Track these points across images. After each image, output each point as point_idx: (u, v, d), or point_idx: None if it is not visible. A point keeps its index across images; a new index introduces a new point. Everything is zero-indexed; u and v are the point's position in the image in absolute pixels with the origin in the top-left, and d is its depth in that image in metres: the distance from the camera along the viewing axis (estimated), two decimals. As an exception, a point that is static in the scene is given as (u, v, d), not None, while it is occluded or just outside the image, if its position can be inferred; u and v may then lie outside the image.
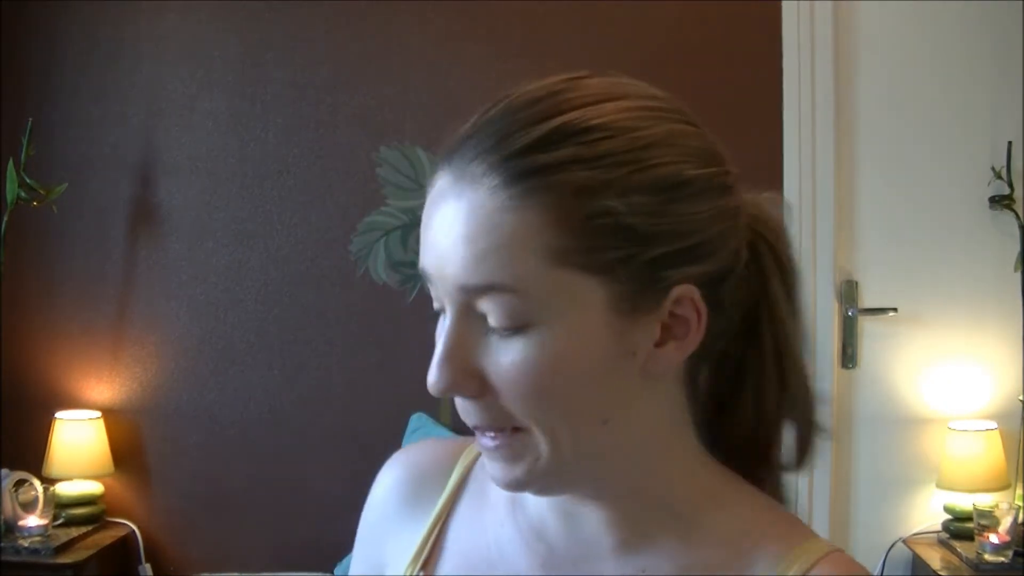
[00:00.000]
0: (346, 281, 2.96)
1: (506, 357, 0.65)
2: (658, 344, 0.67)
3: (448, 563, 0.78)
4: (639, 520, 0.72)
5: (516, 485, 0.69)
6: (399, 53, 2.96)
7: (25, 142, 2.78)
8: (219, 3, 3.00)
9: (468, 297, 0.65)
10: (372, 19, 2.96)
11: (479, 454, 0.81)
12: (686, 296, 0.67)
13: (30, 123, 2.79)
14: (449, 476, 0.82)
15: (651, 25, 2.88)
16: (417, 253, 2.74)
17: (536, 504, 0.76)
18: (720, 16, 2.87)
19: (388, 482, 0.85)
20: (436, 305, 0.69)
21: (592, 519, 0.73)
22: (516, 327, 0.64)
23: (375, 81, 2.96)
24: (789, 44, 2.84)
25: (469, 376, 0.66)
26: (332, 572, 2.69)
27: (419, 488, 0.83)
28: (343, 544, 2.76)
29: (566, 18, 2.90)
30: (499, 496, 0.78)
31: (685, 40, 2.88)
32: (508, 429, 0.67)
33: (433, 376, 0.66)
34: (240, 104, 2.99)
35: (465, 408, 0.68)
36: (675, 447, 0.73)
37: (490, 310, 0.64)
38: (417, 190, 2.93)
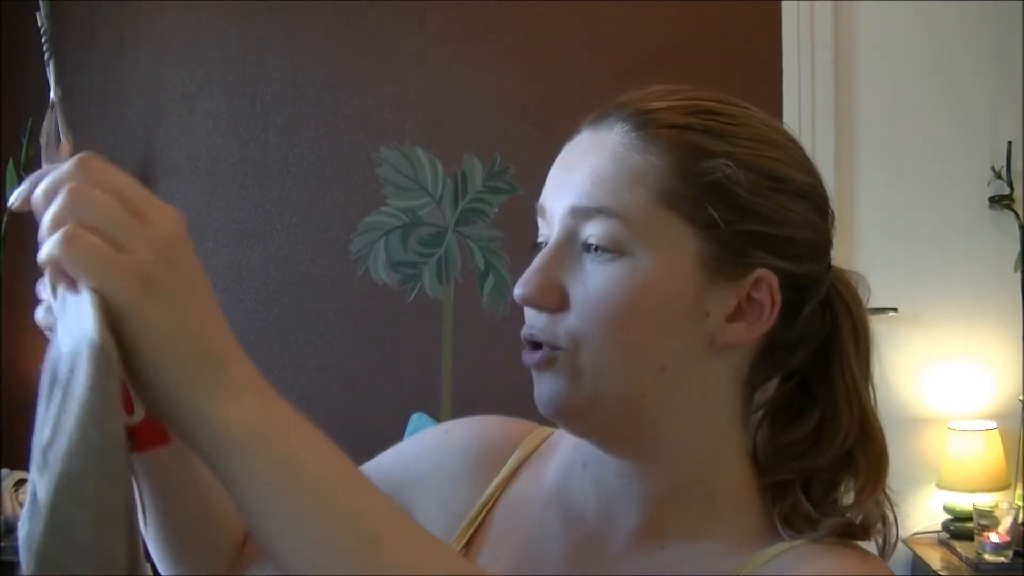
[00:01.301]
0: (346, 281, 2.96)
1: (594, 278, 0.70)
2: (730, 319, 0.72)
3: (492, 540, 0.81)
4: (670, 502, 0.74)
5: (555, 404, 0.72)
6: (399, 53, 2.96)
7: (25, 142, 2.78)
8: (219, 3, 3.01)
9: (577, 220, 0.71)
10: (372, 19, 2.96)
11: (541, 441, 0.86)
12: (766, 280, 0.72)
13: (30, 123, 2.79)
14: (508, 459, 0.85)
15: (651, 25, 2.88)
16: (417, 253, 2.74)
17: (581, 487, 0.78)
18: (720, 16, 2.87)
19: (459, 440, 0.88)
20: (540, 238, 0.75)
21: (627, 497, 0.75)
22: (612, 251, 0.70)
23: (375, 81, 2.96)
24: (789, 44, 2.84)
25: (553, 290, 0.71)
26: (332, 572, 2.70)
27: (481, 460, 0.86)
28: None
29: (566, 18, 2.90)
30: (549, 480, 0.81)
31: (685, 40, 2.88)
32: (562, 349, 0.71)
33: (522, 284, 0.72)
34: (240, 104, 2.99)
35: (533, 321, 0.73)
36: (721, 434, 0.75)
37: (594, 232, 0.70)
38: (417, 190, 2.94)
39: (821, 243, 0.76)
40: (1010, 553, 2.44)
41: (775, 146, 0.74)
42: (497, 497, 0.83)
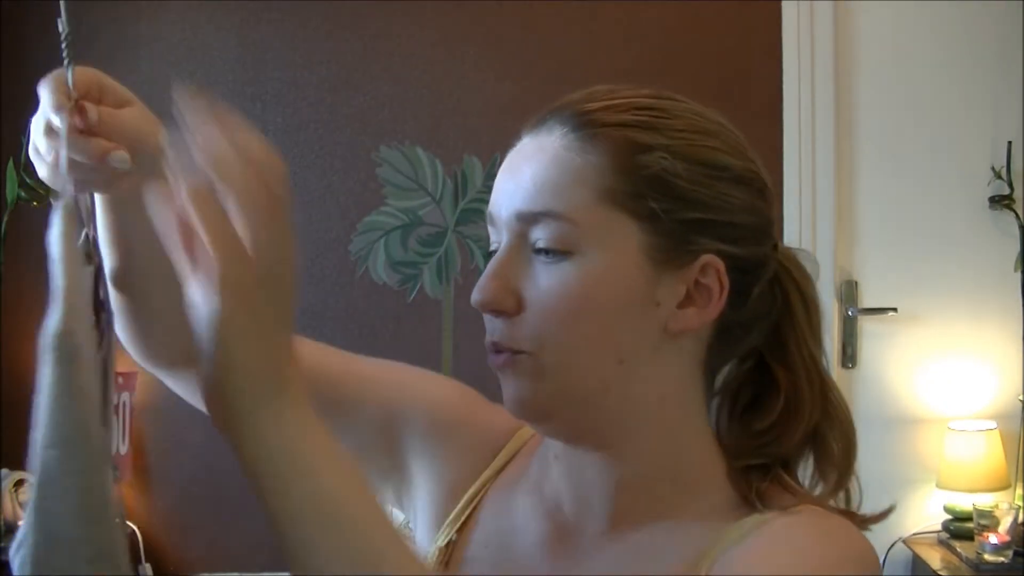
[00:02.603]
0: (346, 281, 2.96)
1: (547, 279, 0.73)
2: (681, 305, 0.74)
3: (481, 527, 0.84)
4: (638, 487, 0.76)
5: (523, 405, 0.76)
6: (399, 53, 2.96)
7: (25, 142, 2.78)
8: (219, 3, 3.00)
9: (523, 225, 0.74)
10: (372, 19, 2.96)
11: (531, 436, 0.88)
12: (712, 265, 0.74)
13: (30, 123, 2.79)
14: (502, 448, 0.88)
15: (651, 25, 2.88)
16: (417, 253, 2.73)
17: (555, 477, 0.80)
18: (720, 16, 2.87)
19: (467, 414, 0.90)
20: (492, 246, 0.78)
21: (598, 485, 0.77)
22: (561, 252, 0.72)
23: (375, 81, 2.96)
24: (789, 44, 2.84)
25: (509, 294, 0.74)
26: (332, 572, 2.70)
27: (481, 444, 0.88)
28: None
29: (566, 18, 2.90)
30: (532, 472, 0.84)
31: (685, 40, 2.88)
32: (525, 352, 0.74)
33: (478, 290, 0.75)
34: (240, 104, 2.99)
35: (492, 327, 0.76)
36: (684, 418, 0.77)
37: (540, 235, 0.73)
38: (417, 190, 2.94)
39: (763, 225, 0.78)
40: (1010, 553, 2.44)
41: (711, 135, 0.76)
42: (489, 484, 0.86)
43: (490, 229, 0.78)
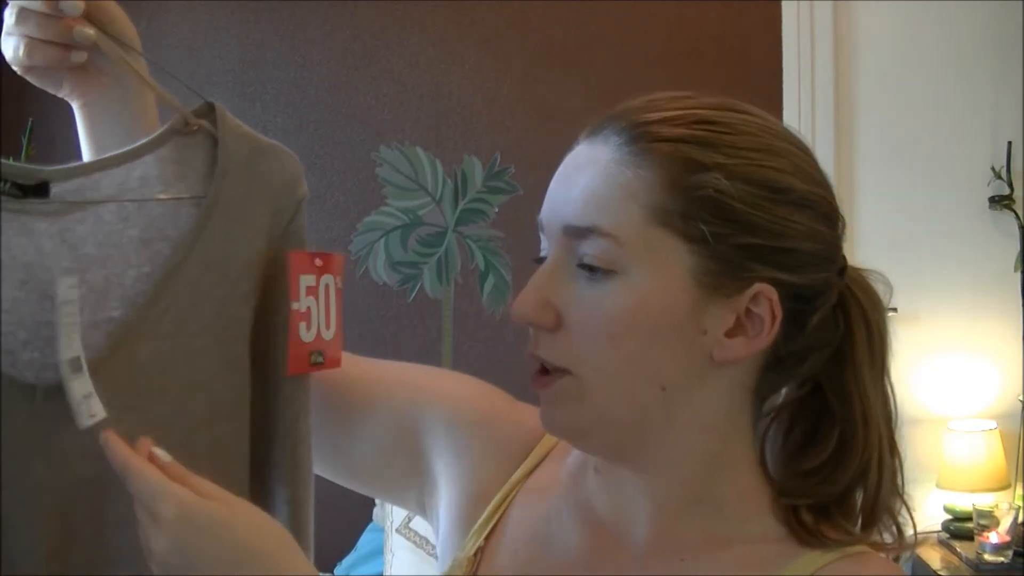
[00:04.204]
0: (346, 281, 2.96)
1: (590, 297, 0.70)
2: (729, 334, 0.71)
3: (511, 533, 0.81)
4: (680, 511, 0.74)
5: (561, 426, 0.74)
6: (399, 53, 2.96)
7: (25, 142, 2.78)
8: (219, 3, 3.01)
9: (571, 239, 0.71)
10: (372, 19, 2.96)
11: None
12: (765, 294, 0.70)
13: (30, 123, 2.79)
14: (530, 451, 0.85)
15: (651, 25, 2.88)
16: (417, 253, 2.75)
17: (594, 488, 0.78)
18: (720, 16, 2.87)
19: (492, 415, 0.86)
20: (543, 253, 0.74)
21: (639, 504, 0.75)
22: (606, 270, 0.69)
23: (375, 81, 2.96)
24: (789, 44, 2.84)
25: (549, 309, 0.71)
26: (332, 572, 2.70)
27: (507, 446, 0.85)
28: (343, 544, 2.76)
29: (566, 19, 2.90)
30: (563, 478, 0.82)
31: (685, 40, 2.88)
32: (566, 371, 0.71)
33: (517, 302, 0.72)
34: (240, 104, 2.99)
35: (535, 340, 0.73)
36: (728, 445, 0.74)
37: (587, 252, 0.70)
38: (417, 190, 2.94)
39: (826, 252, 0.74)
40: (1010, 553, 2.44)
41: (776, 154, 0.72)
42: (518, 488, 0.83)
43: (541, 236, 0.75)
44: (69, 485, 0.66)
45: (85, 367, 0.64)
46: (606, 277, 0.69)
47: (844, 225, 0.77)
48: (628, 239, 0.69)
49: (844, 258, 0.78)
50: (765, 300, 0.70)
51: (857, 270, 0.79)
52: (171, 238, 0.69)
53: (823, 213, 0.74)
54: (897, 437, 0.81)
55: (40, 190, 0.66)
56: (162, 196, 0.70)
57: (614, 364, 0.70)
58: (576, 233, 0.70)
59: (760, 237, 0.70)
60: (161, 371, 0.68)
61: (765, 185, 0.70)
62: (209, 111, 0.74)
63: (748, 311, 0.71)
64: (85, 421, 0.64)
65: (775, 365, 0.74)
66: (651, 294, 0.69)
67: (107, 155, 0.70)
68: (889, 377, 0.80)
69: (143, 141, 0.71)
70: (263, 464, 0.74)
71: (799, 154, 0.74)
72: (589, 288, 0.70)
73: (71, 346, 0.64)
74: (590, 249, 0.70)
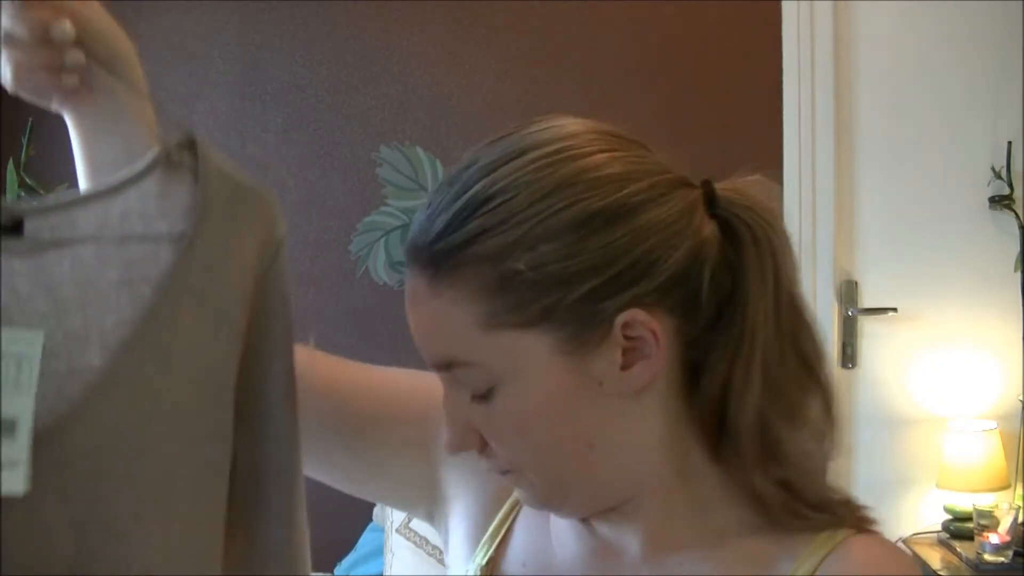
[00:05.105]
0: (346, 281, 2.96)
1: (487, 417, 0.71)
2: (625, 367, 0.69)
3: (517, 548, 0.82)
4: (665, 522, 0.75)
5: (532, 505, 0.77)
6: (399, 53, 2.96)
7: (25, 142, 2.78)
8: (219, 3, 3.00)
9: (445, 371, 0.72)
10: (372, 19, 2.96)
11: None
12: (633, 320, 0.68)
13: (30, 123, 2.79)
14: None
15: (651, 25, 2.88)
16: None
17: None
18: (720, 16, 2.87)
19: None
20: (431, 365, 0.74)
21: (625, 524, 0.76)
22: (485, 391, 0.70)
23: (375, 81, 2.96)
24: (789, 44, 2.84)
25: (471, 434, 0.72)
26: (332, 572, 2.69)
27: None
28: (343, 544, 2.76)
29: (566, 18, 2.90)
30: None
31: (685, 40, 2.87)
32: (513, 469, 0.73)
33: (448, 439, 0.73)
34: (240, 104, 2.99)
35: (481, 456, 0.74)
36: (673, 455, 0.74)
37: (463, 379, 0.71)
38: (417, 190, 2.94)
39: (671, 230, 0.69)
40: (1010, 553, 2.44)
41: (562, 187, 0.67)
42: (519, 508, 0.84)
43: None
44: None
45: (25, 432, 0.58)
46: (491, 394, 0.70)
47: (677, 177, 0.71)
48: (482, 358, 0.69)
49: (704, 193, 0.72)
50: (637, 324, 0.68)
51: (731, 188, 0.74)
52: (152, 279, 0.66)
53: (647, 199, 0.68)
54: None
55: (14, 227, 0.62)
56: (144, 234, 0.66)
57: (539, 457, 0.71)
58: (444, 367, 0.71)
59: (591, 278, 0.67)
60: (141, 420, 0.64)
61: (566, 230, 0.67)
62: (190, 143, 0.72)
63: (628, 339, 0.68)
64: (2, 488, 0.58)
65: (691, 350, 0.71)
66: (532, 391, 0.69)
67: (86, 191, 0.67)
68: (800, 299, 0.73)
69: (124, 175, 0.68)
70: (255, 507, 0.73)
71: (584, 165, 0.68)
72: (485, 407, 0.70)
73: (9, 404, 0.58)
74: (463, 378, 0.70)
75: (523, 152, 0.69)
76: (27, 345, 0.60)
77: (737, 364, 0.70)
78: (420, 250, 0.70)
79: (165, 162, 0.69)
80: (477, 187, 0.68)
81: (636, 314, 0.68)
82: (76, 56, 0.71)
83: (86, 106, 0.76)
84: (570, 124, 0.72)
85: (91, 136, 0.78)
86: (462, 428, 0.72)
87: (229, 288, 0.69)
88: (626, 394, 0.70)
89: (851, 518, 0.74)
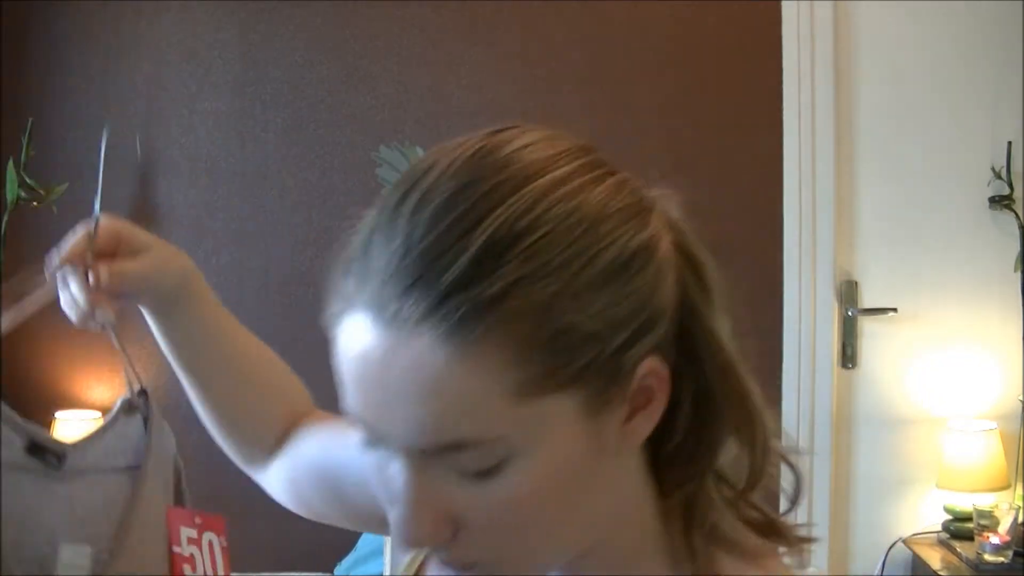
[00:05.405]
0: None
1: (484, 499, 0.58)
2: (627, 420, 0.61)
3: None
4: (625, 566, 0.67)
5: None
6: (399, 53, 2.96)
7: (25, 142, 2.78)
8: (219, 3, 3.00)
9: (433, 457, 0.57)
10: (372, 19, 2.96)
11: None
12: (650, 370, 0.60)
13: (30, 123, 2.79)
14: None
15: (651, 25, 2.88)
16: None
17: None
18: (720, 16, 2.87)
19: None
20: (371, 444, 0.60)
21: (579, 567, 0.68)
22: (489, 468, 0.57)
23: (375, 81, 2.96)
24: (789, 44, 2.84)
25: (444, 523, 0.59)
26: (332, 572, 2.70)
27: None
28: (343, 544, 2.76)
29: (566, 18, 2.90)
30: None
31: (685, 40, 2.88)
32: (484, 563, 0.61)
33: (413, 532, 0.59)
34: (240, 104, 2.99)
35: (434, 548, 0.63)
36: (640, 500, 0.67)
37: (462, 461, 0.57)
38: (417, 190, 2.94)
39: (668, 261, 0.62)
40: (1010, 553, 2.44)
41: (596, 222, 0.58)
42: None
43: (361, 428, 0.60)
44: None
45: None
46: (496, 470, 0.57)
47: (648, 199, 0.62)
48: (505, 432, 0.56)
49: (657, 232, 0.61)
50: (651, 373, 0.60)
51: (657, 203, 0.64)
52: (120, 505, 0.81)
53: (659, 230, 0.61)
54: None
55: (58, 456, 0.78)
56: (114, 467, 0.83)
57: (532, 541, 0.61)
58: (439, 452, 0.57)
59: (628, 326, 0.58)
60: None
61: (610, 274, 0.57)
62: (144, 392, 0.90)
63: (636, 388, 0.60)
64: None
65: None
66: (550, 462, 0.58)
67: (94, 431, 0.84)
68: (724, 323, 0.65)
69: (107, 419, 0.86)
70: None
71: (605, 188, 0.60)
72: (479, 489, 0.58)
73: None
74: (465, 460, 0.57)
75: (542, 170, 0.59)
76: (81, 558, 0.74)
77: (700, 398, 0.64)
78: (417, 292, 0.55)
79: (128, 407, 0.88)
80: (498, 219, 0.56)
81: (653, 363, 0.60)
82: (107, 315, 0.85)
83: (148, 303, 0.93)
84: (541, 138, 0.64)
85: (163, 323, 0.95)
86: (434, 518, 0.58)
87: (161, 512, 0.86)
88: (621, 451, 0.62)
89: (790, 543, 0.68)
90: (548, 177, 0.59)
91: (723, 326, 0.64)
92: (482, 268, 0.54)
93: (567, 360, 0.56)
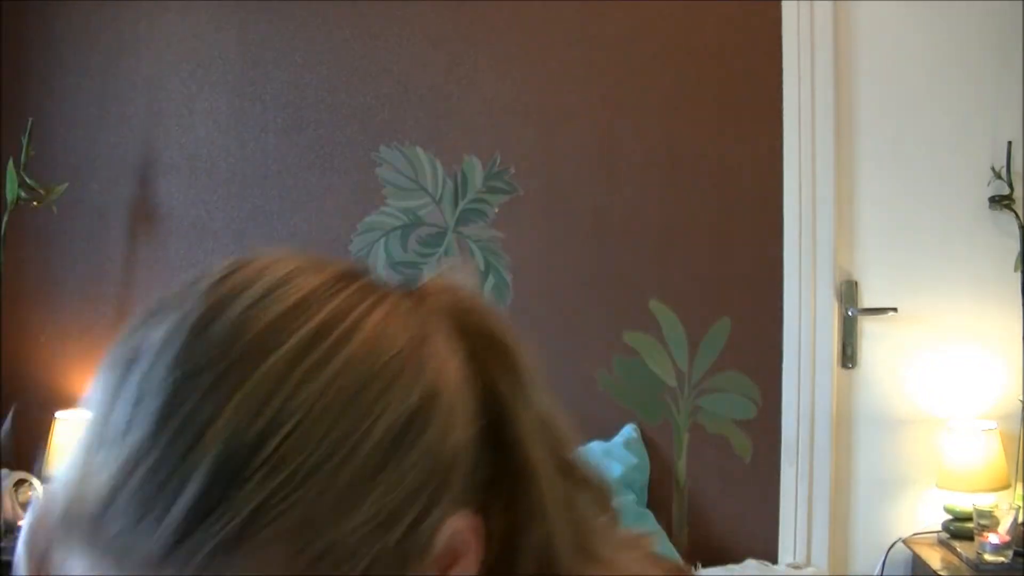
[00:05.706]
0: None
1: None
2: None
3: None
4: None
5: None
6: (399, 53, 2.96)
7: (25, 142, 2.78)
8: (219, 3, 3.01)
9: None
10: (372, 19, 2.96)
11: None
12: (455, 530, 0.51)
13: (30, 123, 2.79)
14: None
15: (651, 25, 2.88)
16: (417, 253, 2.73)
17: None
18: (720, 16, 2.87)
19: None
20: None
21: None
22: None
23: (375, 81, 2.96)
24: (789, 44, 2.84)
25: None
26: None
27: None
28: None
29: (566, 18, 2.90)
30: None
31: (685, 40, 2.88)
32: None
33: None
34: (240, 104, 2.99)
35: None
36: None
37: None
38: (417, 190, 2.94)
39: (458, 396, 0.52)
40: (1010, 553, 2.44)
41: (360, 393, 0.47)
42: None
43: None
44: None
45: None
46: None
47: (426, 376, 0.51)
48: None
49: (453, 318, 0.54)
50: (458, 532, 0.51)
51: (445, 291, 0.57)
52: None
53: (438, 363, 0.51)
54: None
55: None
56: None
57: None
58: None
59: (416, 500, 0.49)
60: None
61: (380, 459, 0.47)
62: None
63: (441, 553, 0.51)
64: None
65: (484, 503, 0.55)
66: None
67: None
68: (539, 401, 0.57)
69: None
70: None
71: (366, 332, 0.49)
72: None
73: None
74: None
75: (265, 352, 0.46)
76: None
77: (521, 503, 0.55)
78: (141, 541, 0.44)
79: None
80: (227, 431, 0.44)
81: (456, 521, 0.51)
82: None
83: None
84: (279, 280, 0.50)
85: None
86: None
87: None
88: None
89: None
90: (290, 345, 0.47)
91: (533, 417, 0.56)
92: (213, 496, 0.44)
93: (345, 571, 0.47)
